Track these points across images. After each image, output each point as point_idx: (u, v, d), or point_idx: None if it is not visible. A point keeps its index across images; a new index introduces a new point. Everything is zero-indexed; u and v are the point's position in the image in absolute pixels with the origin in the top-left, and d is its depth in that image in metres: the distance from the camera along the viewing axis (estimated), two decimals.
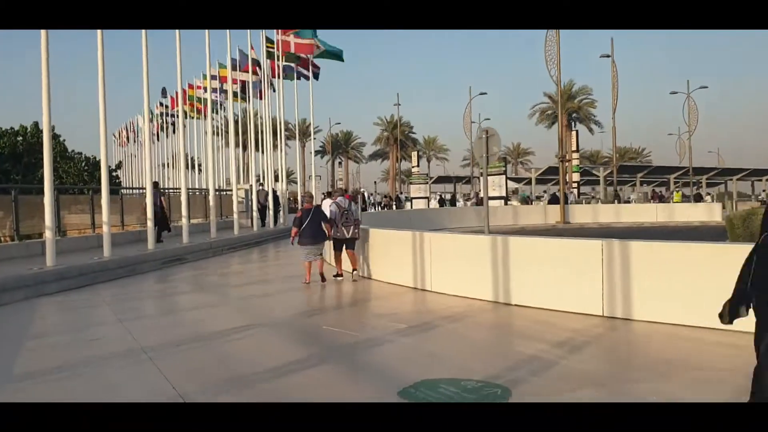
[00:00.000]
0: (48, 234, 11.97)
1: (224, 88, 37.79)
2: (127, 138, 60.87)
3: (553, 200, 38.49)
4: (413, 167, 62.99)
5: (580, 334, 6.96)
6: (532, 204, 41.29)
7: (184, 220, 17.63)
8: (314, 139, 50.28)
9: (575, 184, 49.85)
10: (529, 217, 32.15)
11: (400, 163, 75.69)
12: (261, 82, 32.87)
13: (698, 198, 50.14)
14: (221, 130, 47.02)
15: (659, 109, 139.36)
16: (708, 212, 32.99)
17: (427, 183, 53.87)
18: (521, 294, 8.86)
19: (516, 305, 8.70)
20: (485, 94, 58.29)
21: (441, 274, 10.32)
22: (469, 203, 50.39)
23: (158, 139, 54.48)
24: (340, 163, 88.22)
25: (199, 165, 44.60)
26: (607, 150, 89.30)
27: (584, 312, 7.93)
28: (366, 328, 7.78)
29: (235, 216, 22.39)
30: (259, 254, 18.96)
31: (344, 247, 11.95)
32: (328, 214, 11.83)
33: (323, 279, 11.52)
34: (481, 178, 36.63)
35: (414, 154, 64.06)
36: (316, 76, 33.20)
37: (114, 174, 34.03)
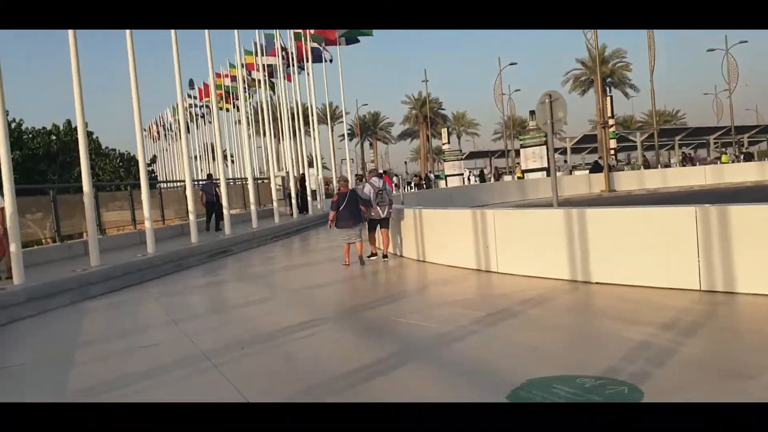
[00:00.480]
0: (90, 233, 11.55)
1: (252, 75, 37.45)
2: (158, 133, 60.95)
3: (596, 168, 37.31)
4: (444, 144, 61.95)
5: (684, 313, 6.20)
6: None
7: (225, 211, 17.16)
8: (344, 122, 49.39)
9: (612, 151, 48.34)
10: (572, 187, 31.10)
11: (431, 142, 74.64)
12: (289, 65, 32.26)
13: (748, 157, 48.15)
14: (251, 118, 46.72)
15: (693, 69, 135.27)
16: (760, 171, 31.54)
17: (461, 159, 52.92)
18: (602, 270, 8.07)
19: (597, 283, 7.96)
20: (515, 64, 56.85)
21: (507, 253, 9.55)
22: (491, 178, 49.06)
23: (188, 132, 54.49)
24: (370, 144, 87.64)
25: (231, 156, 44.21)
26: (640, 115, 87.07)
27: (677, 287, 7.15)
28: (440, 318, 7.03)
29: (275, 204, 21.95)
30: (302, 242, 18.45)
31: (378, 226, 12.03)
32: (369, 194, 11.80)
33: (362, 262, 11.45)
34: (522, 150, 35.54)
35: (444, 131, 62.95)
36: (330, 60, 32.37)
37: (149, 168, 33.85)
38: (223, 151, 48.96)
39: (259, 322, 7.57)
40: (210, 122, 51.22)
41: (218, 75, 42.81)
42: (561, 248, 8.53)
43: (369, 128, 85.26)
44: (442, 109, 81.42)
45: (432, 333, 6.31)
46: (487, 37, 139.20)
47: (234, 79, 40.21)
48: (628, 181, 32.18)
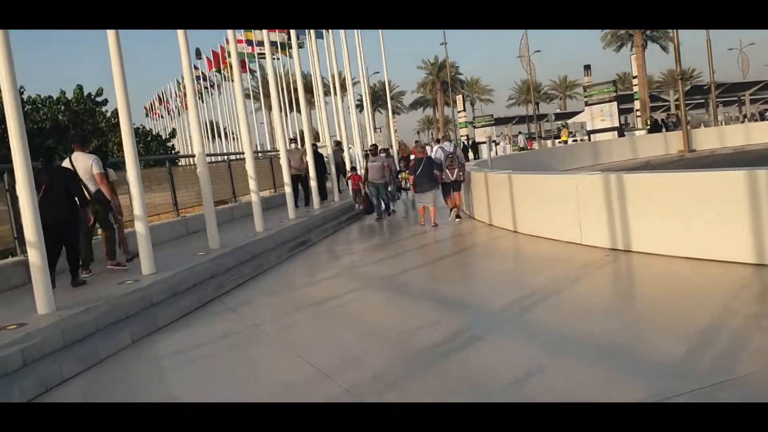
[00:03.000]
0: (207, 209, 9.78)
1: (271, 38, 33.63)
2: (163, 109, 57.06)
3: (655, 128, 33.72)
4: (459, 111, 58.65)
5: None
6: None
7: (287, 189, 13.65)
8: (364, 91, 45.43)
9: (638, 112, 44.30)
10: (648, 148, 27.52)
11: (451, 108, 70.71)
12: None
13: None
14: (260, 91, 42.95)
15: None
16: None
17: (493, 125, 49.35)
18: None
19: None
20: None
21: (648, 228, 7.41)
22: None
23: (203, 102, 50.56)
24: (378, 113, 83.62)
25: (232, 132, 40.18)
26: (658, 75, 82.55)
27: None
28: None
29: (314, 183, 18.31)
30: (385, 226, 14.78)
31: (452, 189, 12.36)
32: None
33: (435, 225, 11.79)
34: (588, 108, 31.48)
35: (459, 98, 59.45)
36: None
37: (170, 144, 29.71)
38: (225, 128, 45.32)
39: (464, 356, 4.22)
40: (214, 96, 47.48)
41: (228, 42, 39.00)
42: (735, 222, 6.30)
43: (380, 98, 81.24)
44: (460, 74, 77.34)
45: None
46: None
47: (250, 42, 36.42)
48: (705, 139, 28.57)
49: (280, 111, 12.51)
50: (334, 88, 20.78)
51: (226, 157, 18.13)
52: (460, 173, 12.16)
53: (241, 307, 7.22)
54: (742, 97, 60.94)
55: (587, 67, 36.40)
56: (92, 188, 8.10)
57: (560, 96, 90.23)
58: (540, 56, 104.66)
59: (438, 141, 18.35)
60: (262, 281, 8.70)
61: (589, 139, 30.85)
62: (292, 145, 17.33)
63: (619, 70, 77.42)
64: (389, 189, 14.41)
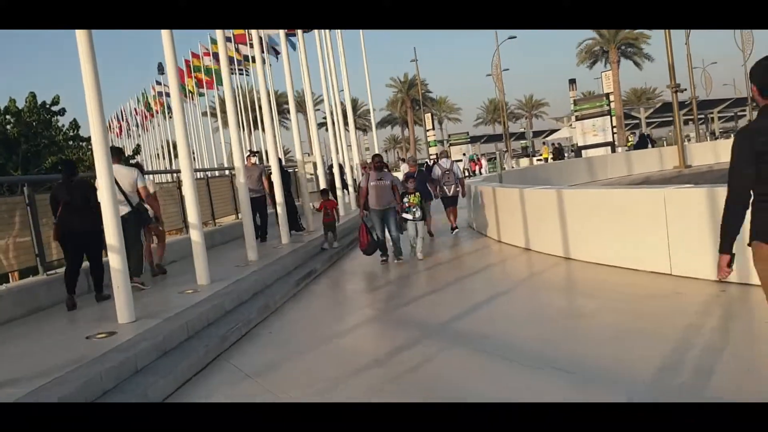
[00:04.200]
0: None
1: (239, 50, 31.83)
2: (120, 128, 54.34)
3: (641, 144, 32.73)
4: (428, 130, 57.52)
5: None
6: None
7: (244, 218, 11.68)
8: (337, 110, 43.58)
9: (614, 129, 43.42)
10: (644, 164, 26.30)
11: (422, 126, 69.31)
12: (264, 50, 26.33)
13: None
14: (217, 108, 40.88)
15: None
16: None
17: (468, 143, 48.04)
18: None
19: None
20: (514, 38, 51.20)
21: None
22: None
23: (153, 123, 48.04)
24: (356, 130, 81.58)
25: (193, 152, 37.72)
26: (624, 91, 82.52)
27: None
28: None
29: (306, 199, 16.30)
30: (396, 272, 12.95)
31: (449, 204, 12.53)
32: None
33: (431, 234, 12.03)
34: (579, 123, 30.03)
35: (427, 116, 58.35)
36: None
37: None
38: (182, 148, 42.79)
39: None
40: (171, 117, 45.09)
41: (195, 55, 36.83)
42: None
43: (346, 116, 79.61)
44: (430, 92, 76.18)
45: None
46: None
47: (216, 55, 34.39)
48: (702, 154, 27.51)
49: (237, 123, 10.32)
50: (292, 106, 18.56)
51: (204, 173, 16.06)
52: (458, 189, 12.54)
53: None
54: (710, 115, 61.17)
55: (572, 81, 35.33)
56: (134, 201, 7.96)
57: (526, 115, 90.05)
58: (505, 75, 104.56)
59: (403, 160, 17.60)
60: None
61: (578, 156, 29.47)
62: (253, 159, 12.74)
63: (584, 89, 77.13)
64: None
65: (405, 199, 10.07)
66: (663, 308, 5.87)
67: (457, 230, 12.65)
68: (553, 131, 61.71)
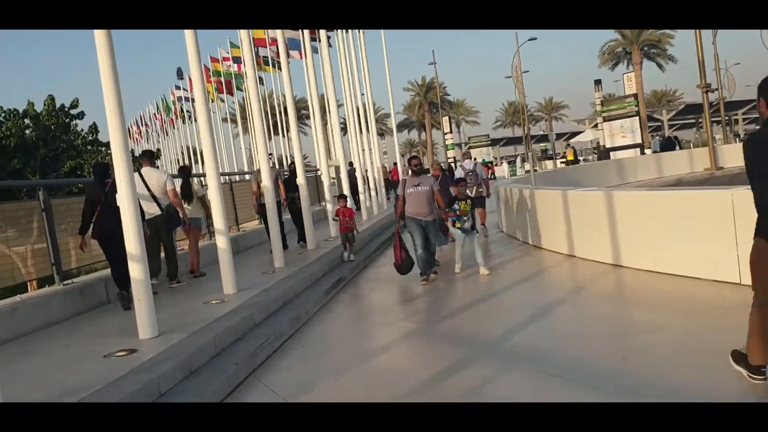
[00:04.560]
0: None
1: (260, 53, 31.42)
2: (140, 133, 54.38)
3: (667, 146, 31.89)
4: (446, 133, 56.88)
5: None
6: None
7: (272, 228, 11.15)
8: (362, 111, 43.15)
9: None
10: (674, 166, 25.51)
11: (440, 130, 68.75)
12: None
13: None
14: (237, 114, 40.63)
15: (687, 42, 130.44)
16: None
17: (489, 145, 47.41)
18: None
19: None
20: (535, 39, 50.30)
21: None
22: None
23: (173, 128, 47.88)
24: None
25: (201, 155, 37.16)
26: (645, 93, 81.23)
27: None
28: None
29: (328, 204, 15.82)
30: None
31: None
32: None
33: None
34: (606, 124, 29.11)
35: (445, 120, 57.66)
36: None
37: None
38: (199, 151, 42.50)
39: None
40: (196, 119, 44.78)
41: (214, 60, 36.52)
42: None
43: (367, 119, 79.24)
44: (447, 95, 75.53)
45: None
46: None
47: (237, 60, 34.05)
48: (731, 155, 26.63)
49: (262, 122, 9.84)
50: (317, 109, 17.88)
51: (228, 178, 15.63)
52: (480, 189, 12.37)
53: None
54: (734, 117, 60.05)
55: (598, 82, 34.57)
56: (164, 203, 8.11)
57: (546, 118, 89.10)
58: (525, 77, 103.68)
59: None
60: None
61: (606, 158, 28.67)
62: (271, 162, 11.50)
63: (605, 91, 76.03)
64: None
65: (455, 206, 8.82)
66: (736, 321, 5.28)
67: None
68: (574, 134, 60.82)
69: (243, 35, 10.39)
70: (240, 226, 13.13)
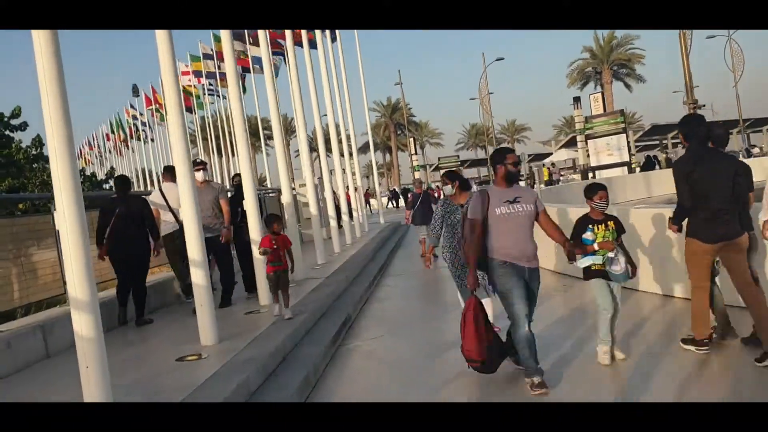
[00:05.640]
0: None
1: (221, 68, 29.50)
2: (91, 155, 51.71)
3: (647, 166, 31.13)
4: (412, 155, 55.85)
5: None
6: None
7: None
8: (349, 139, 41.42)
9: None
10: (664, 185, 24.40)
11: (407, 151, 67.67)
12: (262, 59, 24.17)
13: None
14: (208, 127, 38.58)
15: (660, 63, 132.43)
16: None
17: (459, 165, 46.33)
18: None
19: None
20: (502, 59, 49.68)
21: None
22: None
23: (127, 149, 45.35)
24: (328, 156, 79.39)
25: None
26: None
27: None
28: None
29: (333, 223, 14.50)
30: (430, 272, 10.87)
31: None
32: None
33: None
34: (591, 142, 27.85)
35: (410, 141, 56.74)
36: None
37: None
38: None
39: None
40: (152, 140, 42.44)
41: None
42: None
43: (328, 141, 77.68)
44: (413, 116, 74.61)
45: None
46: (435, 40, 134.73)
47: (198, 74, 32.09)
48: None
49: (245, 131, 8.13)
50: (276, 127, 15.79)
51: None
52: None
53: None
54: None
55: (577, 99, 33.65)
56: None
57: (509, 140, 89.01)
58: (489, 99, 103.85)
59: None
60: None
61: (590, 177, 27.40)
62: (200, 175, 7.77)
63: (566, 113, 75.93)
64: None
65: (588, 234, 4.92)
66: None
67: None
68: (540, 155, 60.30)
69: (224, 34, 8.33)
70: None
